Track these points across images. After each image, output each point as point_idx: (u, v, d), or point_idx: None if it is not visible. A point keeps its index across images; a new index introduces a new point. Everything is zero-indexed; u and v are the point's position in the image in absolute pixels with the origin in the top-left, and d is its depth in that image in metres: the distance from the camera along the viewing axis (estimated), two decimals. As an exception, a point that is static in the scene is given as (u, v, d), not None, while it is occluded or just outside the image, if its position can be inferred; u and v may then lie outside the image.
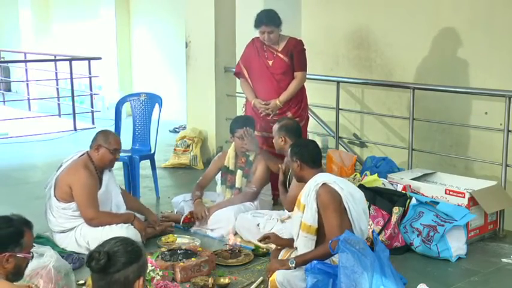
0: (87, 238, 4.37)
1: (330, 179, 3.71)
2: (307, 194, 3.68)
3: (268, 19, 5.40)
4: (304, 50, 5.55)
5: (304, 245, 3.70)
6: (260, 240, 4.19)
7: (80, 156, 4.59)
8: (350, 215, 3.61)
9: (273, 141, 5.01)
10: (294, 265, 3.58)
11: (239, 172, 5.15)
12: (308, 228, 3.67)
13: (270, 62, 5.50)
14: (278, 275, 3.59)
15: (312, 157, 3.88)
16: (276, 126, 4.94)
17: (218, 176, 5.40)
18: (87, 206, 4.37)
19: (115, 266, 2.29)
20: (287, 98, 5.45)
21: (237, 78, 7.30)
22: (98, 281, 2.34)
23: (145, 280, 2.41)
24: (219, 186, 5.44)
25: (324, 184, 3.64)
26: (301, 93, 5.57)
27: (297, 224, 3.75)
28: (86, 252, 4.37)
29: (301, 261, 3.58)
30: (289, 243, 4.04)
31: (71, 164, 4.53)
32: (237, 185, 5.14)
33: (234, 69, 7.21)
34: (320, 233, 3.66)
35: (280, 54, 5.48)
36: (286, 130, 4.84)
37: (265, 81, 5.53)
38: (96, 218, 4.38)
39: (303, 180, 3.85)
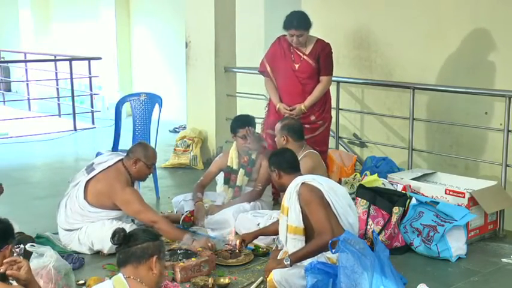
0: (91, 238, 4.37)
1: (308, 177, 3.79)
2: (289, 197, 3.74)
3: (299, 22, 5.25)
4: (332, 53, 5.45)
5: (294, 246, 3.72)
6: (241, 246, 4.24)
7: (115, 163, 4.54)
8: (334, 208, 3.67)
9: (275, 140, 5.01)
10: (289, 263, 3.60)
11: (241, 171, 5.15)
12: (294, 229, 3.70)
13: (297, 66, 5.37)
14: (275, 274, 3.61)
15: (289, 164, 3.94)
16: (278, 126, 4.94)
17: (218, 176, 5.40)
18: (146, 211, 4.38)
19: (133, 241, 2.73)
20: (312, 102, 5.35)
21: (236, 79, 7.39)
22: (119, 255, 2.77)
23: (161, 261, 2.82)
24: (219, 186, 5.44)
25: (303, 183, 3.71)
26: (324, 96, 5.47)
27: (284, 228, 3.79)
28: (87, 251, 4.39)
29: (296, 258, 3.61)
30: (261, 233, 4.25)
31: (109, 176, 4.46)
32: (238, 182, 5.15)
33: (234, 69, 7.27)
34: (308, 234, 3.69)
35: (307, 58, 5.36)
36: (288, 130, 4.86)
37: (290, 84, 5.40)
38: (158, 221, 4.34)
39: (283, 188, 3.90)
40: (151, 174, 5.90)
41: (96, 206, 4.43)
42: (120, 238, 2.73)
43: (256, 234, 4.29)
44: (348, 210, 3.74)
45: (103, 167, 4.53)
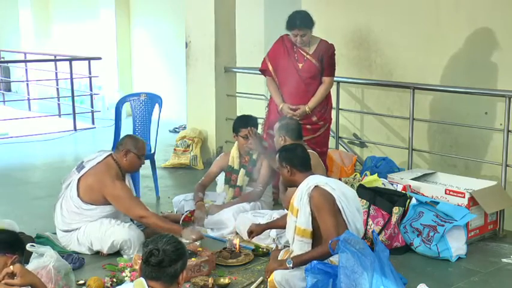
0: (89, 238, 4.37)
1: (322, 180, 3.72)
2: (300, 198, 3.69)
3: (301, 22, 5.23)
4: (335, 54, 5.43)
5: (300, 248, 3.71)
6: (250, 237, 4.28)
7: (105, 158, 4.53)
8: (344, 214, 3.63)
9: (274, 140, 5.01)
10: (291, 265, 3.59)
11: (242, 171, 5.15)
12: (303, 232, 3.68)
13: (300, 65, 5.35)
14: (276, 275, 3.60)
15: (301, 161, 3.88)
16: (276, 126, 4.93)
17: (218, 176, 5.40)
18: (135, 206, 4.36)
19: (168, 262, 2.76)
20: (316, 104, 5.34)
21: (236, 79, 7.39)
22: (150, 272, 2.76)
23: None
24: (219, 186, 5.44)
25: (316, 186, 3.66)
26: (326, 97, 5.46)
27: (292, 228, 3.76)
28: (87, 252, 4.39)
29: (299, 262, 3.59)
30: (270, 226, 4.26)
31: (99, 170, 4.44)
32: (239, 183, 5.14)
33: (234, 69, 7.26)
34: (316, 236, 3.67)
35: (310, 58, 5.34)
36: (286, 130, 4.84)
37: (293, 84, 5.37)
38: (147, 216, 4.34)
39: (294, 185, 3.86)
40: (152, 175, 5.96)
41: (89, 202, 4.40)
42: (157, 260, 2.75)
43: (265, 228, 4.28)
44: (357, 215, 3.71)
45: (93, 164, 4.51)
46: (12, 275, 2.89)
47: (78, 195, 4.42)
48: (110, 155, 4.55)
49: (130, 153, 4.49)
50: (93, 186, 4.39)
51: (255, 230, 4.25)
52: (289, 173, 3.87)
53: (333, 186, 3.68)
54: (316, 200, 3.62)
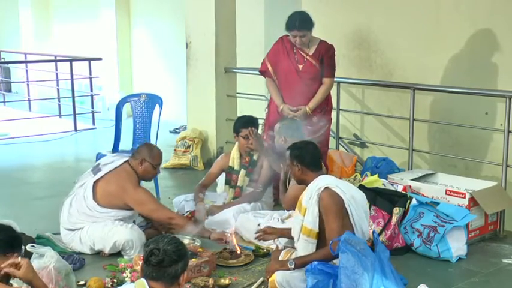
0: (92, 238, 4.38)
1: (332, 182, 3.69)
2: (309, 197, 3.66)
3: (301, 23, 5.22)
4: (335, 55, 5.43)
5: (304, 247, 3.69)
6: (257, 238, 4.21)
7: (122, 164, 4.57)
8: (352, 218, 3.61)
9: (274, 141, 5.01)
10: (292, 266, 3.59)
11: (242, 171, 5.15)
12: (309, 232, 3.66)
13: (300, 66, 5.35)
14: (277, 276, 3.60)
15: (312, 160, 3.84)
16: (276, 126, 4.94)
17: (219, 177, 5.40)
18: (161, 209, 4.52)
19: (168, 262, 2.76)
20: (316, 104, 5.34)
21: (236, 79, 7.39)
22: (151, 272, 2.77)
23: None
24: (220, 186, 5.45)
25: (326, 188, 3.63)
26: (326, 97, 5.46)
27: (298, 226, 3.74)
28: (88, 251, 4.39)
29: (301, 263, 3.58)
30: (284, 232, 4.12)
31: (119, 177, 4.49)
32: (239, 183, 5.15)
33: (234, 70, 7.26)
34: (321, 238, 3.65)
35: (310, 59, 5.34)
36: (286, 130, 4.84)
37: (294, 85, 5.37)
38: (175, 217, 4.54)
39: (304, 183, 3.83)
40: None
41: (106, 207, 4.44)
42: (158, 260, 2.76)
43: (278, 233, 4.18)
44: (363, 218, 3.69)
45: (110, 168, 4.55)
46: (16, 267, 2.90)
47: (94, 198, 4.45)
48: (127, 161, 4.60)
49: (146, 162, 4.54)
50: (114, 192, 4.45)
51: (270, 233, 4.16)
52: (300, 171, 3.82)
53: (343, 189, 3.64)
54: (325, 201, 3.59)
